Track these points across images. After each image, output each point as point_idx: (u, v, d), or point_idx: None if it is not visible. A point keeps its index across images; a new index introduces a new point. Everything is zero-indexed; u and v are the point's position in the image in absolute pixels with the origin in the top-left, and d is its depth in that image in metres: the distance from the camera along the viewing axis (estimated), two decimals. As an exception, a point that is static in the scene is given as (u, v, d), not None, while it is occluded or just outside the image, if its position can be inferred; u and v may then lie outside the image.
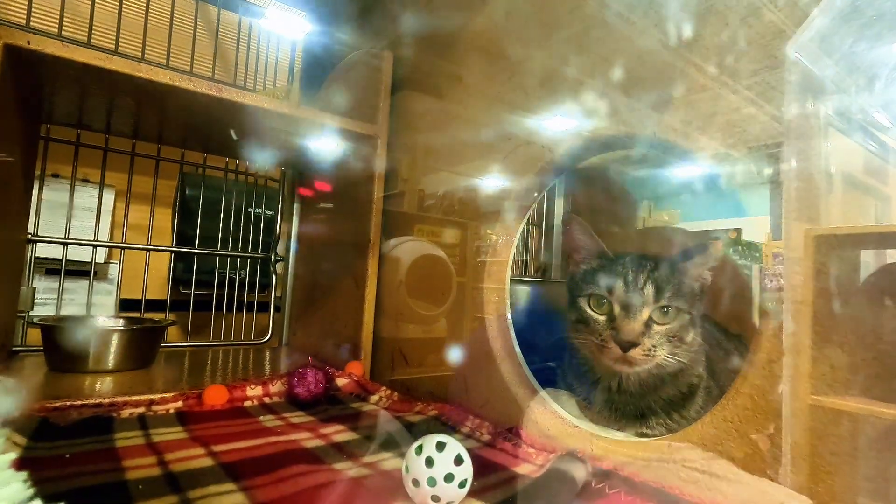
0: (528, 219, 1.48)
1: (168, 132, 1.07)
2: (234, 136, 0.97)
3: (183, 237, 1.17)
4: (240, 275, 1.21)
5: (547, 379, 0.67)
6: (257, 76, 1.23)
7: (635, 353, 0.50)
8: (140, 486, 0.42)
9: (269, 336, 1.22)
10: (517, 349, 0.65)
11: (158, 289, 1.15)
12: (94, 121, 0.98)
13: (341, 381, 0.82)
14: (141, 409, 0.64)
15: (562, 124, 0.63)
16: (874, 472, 0.42)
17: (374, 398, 0.77)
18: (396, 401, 0.75)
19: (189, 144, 1.14)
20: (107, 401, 0.64)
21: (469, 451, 0.56)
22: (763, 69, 0.44)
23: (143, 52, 1.04)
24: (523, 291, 1.02)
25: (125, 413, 0.62)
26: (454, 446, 0.42)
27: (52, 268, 1.03)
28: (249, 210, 1.23)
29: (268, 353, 1.12)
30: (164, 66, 1.05)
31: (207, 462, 0.48)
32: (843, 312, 0.39)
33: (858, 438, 0.40)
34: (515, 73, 0.71)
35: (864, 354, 0.39)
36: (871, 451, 0.41)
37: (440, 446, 0.41)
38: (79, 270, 1.08)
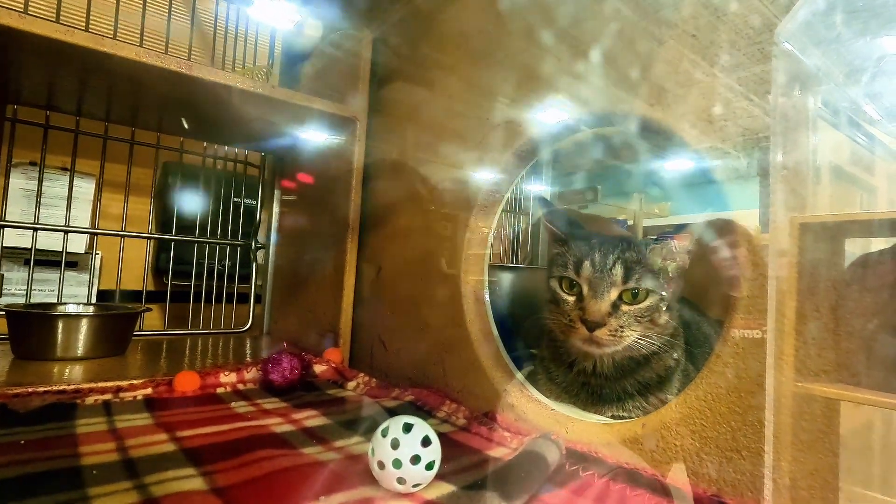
0: (516, 208, 1.47)
1: (142, 115, 1.03)
2: (185, 125, 0.94)
3: (166, 227, 1.14)
4: (220, 265, 1.18)
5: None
6: (236, 58, 1.20)
7: (601, 333, 0.49)
8: (94, 472, 0.40)
9: (249, 324, 1.20)
10: (495, 332, 0.64)
11: (138, 282, 1.13)
12: (64, 102, 0.95)
13: (319, 368, 0.81)
14: (107, 396, 0.62)
15: (540, 108, 0.62)
16: (856, 455, 0.41)
17: (352, 385, 0.75)
18: (374, 387, 0.74)
19: (165, 128, 1.11)
20: (71, 387, 0.62)
21: (443, 435, 0.55)
22: (752, 60, 0.43)
23: (115, 32, 1.01)
24: (507, 278, 1.01)
25: (90, 400, 0.60)
26: (422, 428, 0.41)
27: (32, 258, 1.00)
28: (234, 199, 1.20)
29: (248, 342, 1.10)
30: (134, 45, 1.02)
31: (169, 447, 0.47)
32: (827, 300, 0.39)
33: (841, 422, 0.39)
34: (496, 58, 0.69)
35: (847, 341, 0.39)
36: (854, 435, 0.41)
37: (407, 428, 0.40)
38: (59, 262, 1.04)
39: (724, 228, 0.45)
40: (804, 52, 0.43)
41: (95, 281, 1.11)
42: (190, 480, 0.39)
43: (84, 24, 0.98)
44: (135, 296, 1.09)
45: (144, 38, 1.03)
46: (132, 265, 1.09)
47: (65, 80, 0.84)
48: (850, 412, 0.41)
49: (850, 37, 0.44)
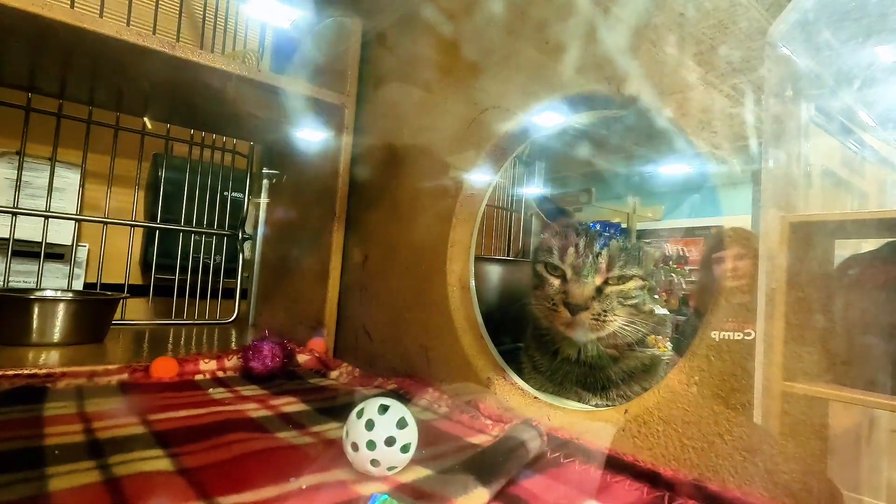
0: (510, 206, 1.47)
1: (128, 100, 1.01)
2: (174, 110, 0.91)
3: (156, 220, 1.13)
4: (206, 257, 1.17)
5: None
6: (226, 44, 1.18)
7: (584, 317, 0.49)
8: (56, 452, 0.39)
9: (235, 315, 1.18)
10: (479, 320, 0.63)
11: (132, 273, 1.11)
12: (46, 83, 0.92)
13: (302, 358, 0.79)
14: (81, 381, 0.61)
15: (522, 101, 0.61)
16: (842, 453, 0.41)
17: (335, 374, 0.74)
18: (357, 376, 0.73)
19: (152, 115, 1.09)
20: (43, 371, 0.61)
21: (425, 422, 0.54)
22: (745, 65, 0.42)
23: (101, 11, 0.98)
24: (496, 270, 1.00)
25: (62, 384, 0.59)
26: (398, 409, 0.39)
27: (16, 249, 0.98)
28: (224, 194, 1.18)
29: (233, 332, 1.08)
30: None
31: (139, 430, 0.45)
32: (816, 299, 0.38)
33: (830, 424, 0.39)
34: (482, 51, 0.68)
35: (834, 341, 0.38)
36: (840, 434, 0.41)
37: (382, 409, 0.39)
38: (47, 253, 1.02)
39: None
40: (796, 54, 0.43)
41: (82, 272, 1.09)
42: (155, 461, 0.38)
43: (69, 2, 0.96)
44: (122, 289, 1.07)
45: (135, 22, 1.02)
46: (120, 258, 1.07)
47: (46, 60, 0.82)
48: (839, 413, 0.41)
49: (840, 42, 0.44)
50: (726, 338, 0.39)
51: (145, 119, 1.06)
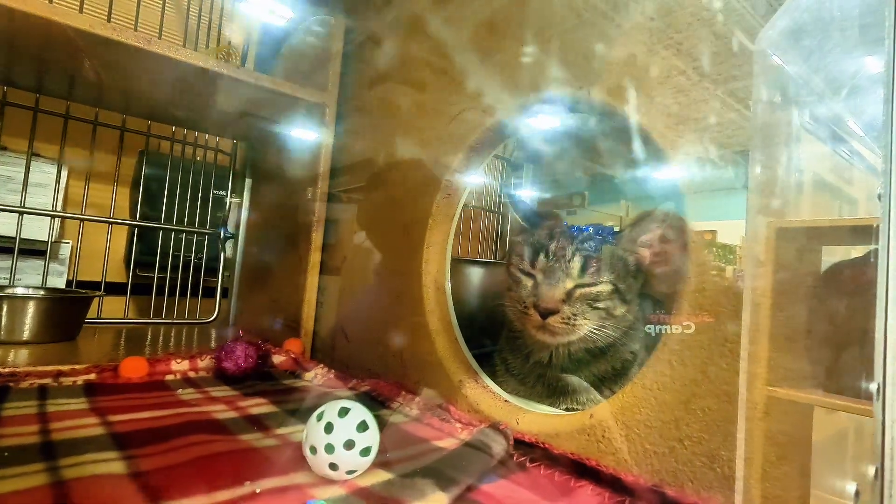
0: (496, 209, 1.47)
1: (108, 95, 1.00)
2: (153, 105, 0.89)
3: (143, 219, 1.11)
4: (186, 256, 1.15)
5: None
6: (210, 39, 1.17)
7: (554, 320, 0.48)
8: (6, 454, 0.38)
9: (215, 315, 1.17)
10: (454, 321, 0.63)
11: (115, 272, 1.10)
12: (21, 77, 0.91)
13: (278, 359, 0.78)
14: (46, 381, 0.59)
15: (506, 101, 0.61)
16: (827, 459, 0.41)
17: (309, 375, 0.73)
18: (332, 377, 0.72)
19: (133, 111, 1.07)
20: (6, 370, 0.59)
21: (394, 425, 0.54)
22: (737, 71, 0.42)
23: (81, 6, 0.97)
24: (477, 272, 1.00)
25: (25, 384, 0.57)
26: (359, 412, 0.39)
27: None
28: (208, 192, 1.17)
29: (213, 332, 1.07)
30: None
31: (96, 431, 0.44)
32: (802, 305, 0.38)
33: (812, 427, 0.38)
34: (462, 49, 0.68)
35: (819, 347, 0.38)
36: (824, 440, 0.41)
37: (343, 412, 0.38)
38: (29, 249, 1.00)
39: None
40: (784, 61, 0.43)
41: (65, 270, 1.07)
42: (108, 464, 0.37)
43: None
44: (108, 287, 1.05)
45: (124, 19, 1.00)
46: (108, 256, 1.05)
47: (20, 54, 0.81)
48: (822, 420, 0.41)
49: (828, 50, 0.44)
50: (689, 341, 0.39)
51: (97, 112, 1.04)
